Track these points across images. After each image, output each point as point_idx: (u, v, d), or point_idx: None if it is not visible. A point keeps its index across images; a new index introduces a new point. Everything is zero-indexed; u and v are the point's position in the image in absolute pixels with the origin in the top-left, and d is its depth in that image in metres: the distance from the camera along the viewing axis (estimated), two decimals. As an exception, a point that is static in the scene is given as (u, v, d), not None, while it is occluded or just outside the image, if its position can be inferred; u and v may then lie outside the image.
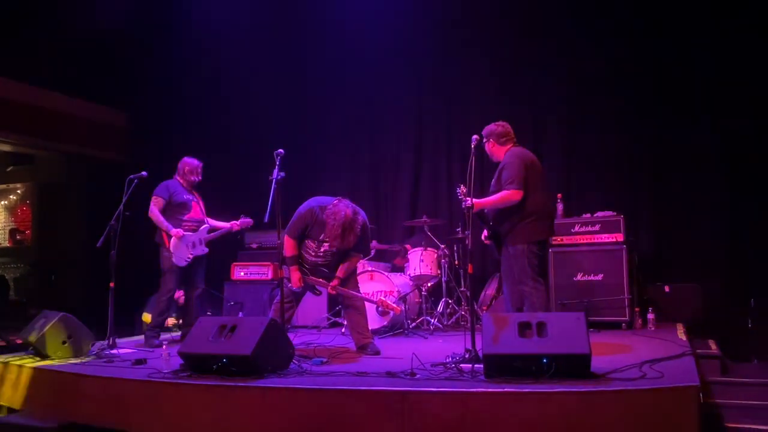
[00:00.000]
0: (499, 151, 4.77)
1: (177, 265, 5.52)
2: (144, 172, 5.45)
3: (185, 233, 5.55)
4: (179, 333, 5.92)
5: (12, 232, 9.96)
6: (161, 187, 5.60)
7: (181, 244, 5.53)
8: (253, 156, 7.26)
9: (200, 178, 5.77)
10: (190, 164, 5.74)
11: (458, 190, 4.34)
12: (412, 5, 7.77)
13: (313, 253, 4.88)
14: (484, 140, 4.79)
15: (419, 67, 7.97)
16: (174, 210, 5.59)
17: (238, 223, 5.82)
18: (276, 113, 8.26)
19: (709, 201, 6.44)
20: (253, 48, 8.14)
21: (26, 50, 7.16)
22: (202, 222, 5.73)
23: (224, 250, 7.10)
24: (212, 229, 5.74)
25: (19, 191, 10.20)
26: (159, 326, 5.62)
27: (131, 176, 5.33)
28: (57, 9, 7.08)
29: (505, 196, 4.50)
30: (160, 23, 7.87)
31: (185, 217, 5.61)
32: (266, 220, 4.88)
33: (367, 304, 6.12)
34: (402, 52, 7.94)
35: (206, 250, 5.70)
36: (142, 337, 5.74)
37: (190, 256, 5.57)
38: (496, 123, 4.82)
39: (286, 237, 4.79)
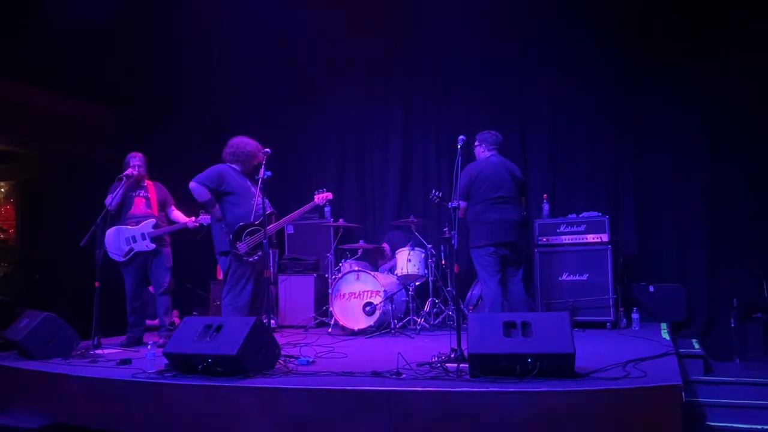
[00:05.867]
0: (481, 156, 5.37)
1: (115, 261, 5.52)
2: (128, 171, 5.44)
3: (121, 227, 5.54)
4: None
5: (-5, 231, 9.85)
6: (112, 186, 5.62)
7: (117, 238, 5.51)
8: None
9: (133, 170, 5.61)
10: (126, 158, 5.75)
11: (433, 194, 5.33)
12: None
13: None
14: (476, 143, 5.38)
15: (408, 66, 7.98)
16: (122, 206, 5.60)
17: (193, 219, 5.59)
18: (259, 111, 8.23)
19: (692, 202, 6.50)
20: (240, 47, 8.09)
21: (9, 47, 7.06)
22: (147, 217, 5.61)
23: (211, 250, 7.07)
24: (157, 225, 5.58)
25: (2, 190, 10.09)
26: (134, 326, 5.64)
27: (121, 175, 5.35)
28: (39, 5, 7.00)
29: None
30: (146, 20, 7.80)
31: (128, 214, 5.61)
32: (252, 219, 4.89)
33: (354, 303, 6.17)
34: (391, 50, 7.95)
35: (151, 246, 5.53)
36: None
37: (128, 250, 5.50)
38: (489, 131, 5.40)
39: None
